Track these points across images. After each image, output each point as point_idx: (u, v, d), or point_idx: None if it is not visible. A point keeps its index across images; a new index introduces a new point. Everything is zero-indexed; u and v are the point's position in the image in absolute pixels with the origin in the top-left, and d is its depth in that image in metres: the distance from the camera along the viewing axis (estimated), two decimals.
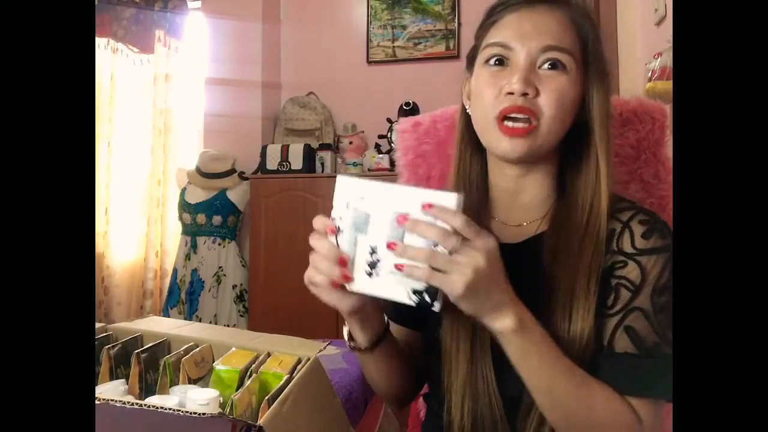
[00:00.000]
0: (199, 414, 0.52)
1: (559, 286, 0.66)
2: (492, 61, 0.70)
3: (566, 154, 0.74)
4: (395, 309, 0.76)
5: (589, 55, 0.70)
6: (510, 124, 0.67)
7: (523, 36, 0.68)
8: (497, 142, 0.68)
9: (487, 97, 0.69)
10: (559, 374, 0.61)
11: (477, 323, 0.64)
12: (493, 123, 0.68)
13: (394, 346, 0.76)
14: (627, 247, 0.66)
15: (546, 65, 0.67)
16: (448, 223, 0.55)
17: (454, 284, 0.54)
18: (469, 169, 0.77)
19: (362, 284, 0.60)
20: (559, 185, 0.75)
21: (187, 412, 0.52)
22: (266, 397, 0.72)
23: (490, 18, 0.73)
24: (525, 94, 0.66)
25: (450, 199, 0.55)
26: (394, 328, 0.78)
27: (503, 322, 0.58)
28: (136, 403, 0.55)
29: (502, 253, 0.60)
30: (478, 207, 0.76)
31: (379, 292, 0.59)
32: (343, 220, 0.60)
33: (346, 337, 0.73)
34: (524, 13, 0.70)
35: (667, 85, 1.26)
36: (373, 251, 0.58)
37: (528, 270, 0.67)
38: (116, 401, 0.53)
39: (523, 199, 0.75)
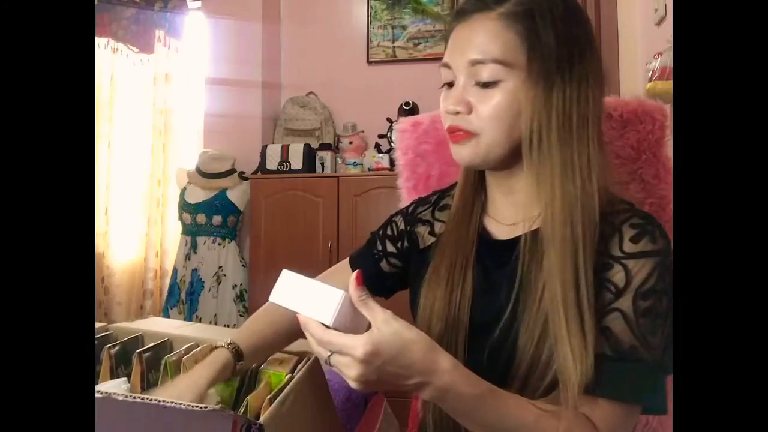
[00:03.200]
0: (201, 408, 0.53)
1: (532, 288, 0.67)
2: (443, 85, 0.75)
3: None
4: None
5: (536, 56, 0.66)
6: (455, 133, 0.72)
7: (454, 54, 0.72)
8: (452, 149, 0.74)
9: (443, 114, 0.74)
10: (503, 420, 0.61)
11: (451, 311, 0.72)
12: (448, 135, 0.73)
13: None
14: (615, 251, 0.66)
15: (477, 84, 0.69)
16: (315, 340, 0.59)
17: (348, 379, 0.58)
18: (468, 170, 0.80)
19: None
20: None
21: (188, 405, 0.52)
22: (267, 397, 0.73)
23: (447, 37, 0.76)
24: (458, 112, 0.70)
25: (329, 306, 0.58)
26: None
27: (423, 395, 0.60)
28: (138, 397, 0.55)
29: (489, 248, 0.73)
30: (473, 205, 0.79)
31: None
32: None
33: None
34: (459, 28, 0.72)
35: (667, 85, 1.26)
36: None
37: (508, 267, 0.71)
38: (118, 394, 0.53)
39: (515, 198, 0.76)
